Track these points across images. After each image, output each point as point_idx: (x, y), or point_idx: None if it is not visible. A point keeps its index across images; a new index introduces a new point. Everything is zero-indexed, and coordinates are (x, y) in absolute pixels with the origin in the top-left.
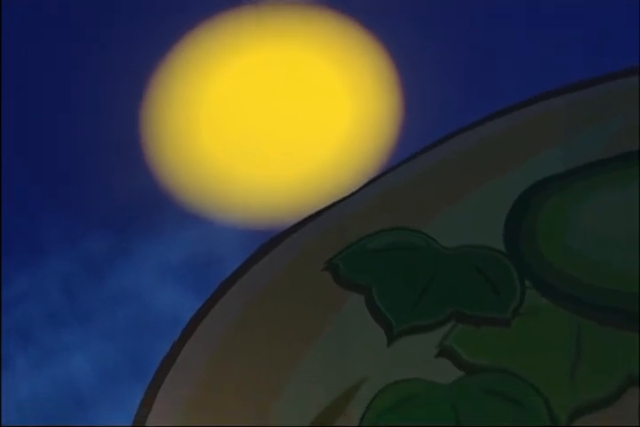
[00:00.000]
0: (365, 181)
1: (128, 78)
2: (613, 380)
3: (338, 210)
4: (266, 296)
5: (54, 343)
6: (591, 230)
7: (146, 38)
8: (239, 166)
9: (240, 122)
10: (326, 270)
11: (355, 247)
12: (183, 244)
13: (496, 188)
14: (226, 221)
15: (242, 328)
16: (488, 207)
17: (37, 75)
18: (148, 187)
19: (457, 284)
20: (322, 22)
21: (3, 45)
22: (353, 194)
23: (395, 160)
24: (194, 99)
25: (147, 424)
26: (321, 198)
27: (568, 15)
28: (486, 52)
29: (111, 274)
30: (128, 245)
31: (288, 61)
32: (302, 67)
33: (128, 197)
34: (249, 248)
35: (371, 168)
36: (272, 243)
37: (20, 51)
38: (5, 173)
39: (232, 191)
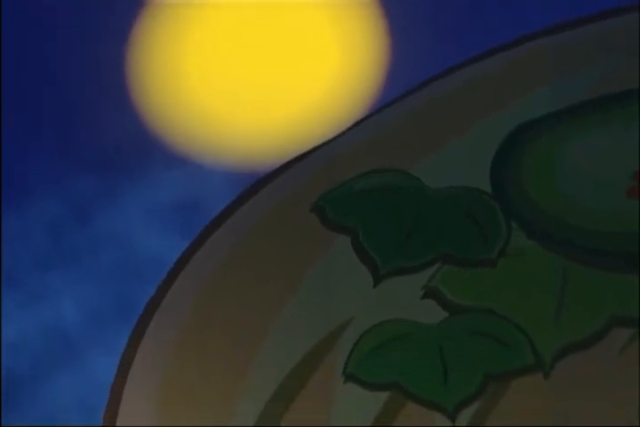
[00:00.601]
0: (352, 123)
1: (115, 19)
2: (598, 320)
3: (324, 152)
4: (252, 238)
5: (40, 286)
6: (580, 171)
7: None
8: (226, 109)
9: (227, 65)
10: (312, 213)
11: (341, 189)
12: (170, 186)
13: (482, 129)
14: (213, 164)
15: (228, 270)
16: (475, 149)
17: (21, 18)
18: (135, 129)
19: (443, 225)
20: None
21: None
22: (339, 136)
23: (381, 103)
24: (181, 41)
25: (133, 369)
26: (307, 141)
27: None
28: None
29: (97, 217)
30: (114, 187)
31: (275, 5)
32: (289, 10)
33: (115, 139)
34: (235, 191)
35: (357, 111)
36: (258, 185)
37: None
38: None
39: (219, 134)
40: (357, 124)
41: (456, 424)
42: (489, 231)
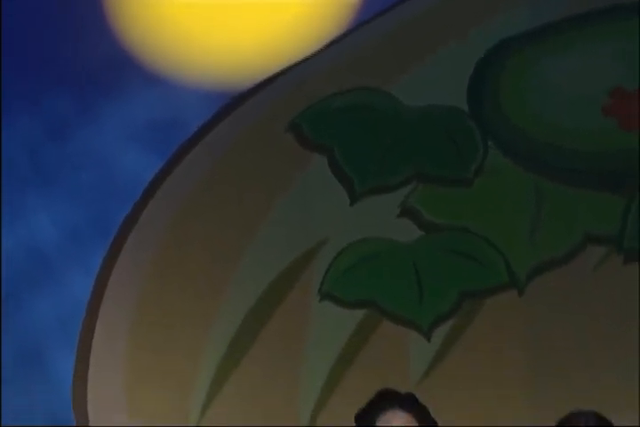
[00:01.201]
0: (326, 43)
1: None
2: (572, 238)
3: (299, 71)
4: (229, 156)
5: (18, 206)
6: (556, 89)
7: None
8: (203, 29)
9: None
10: (289, 131)
11: (317, 107)
12: (147, 105)
13: (459, 47)
14: (189, 83)
15: (205, 188)
16: (452, 67)
17: None
18: (113, 49)
19: (420, 144)
20: None
21: None
22: (314, 56)
23: (354, 24)
24: None
25: (109, 287)
26: (283, 60)
27: None
28: None
29: (75, 136)
30: (92, 106)
31: None
32: None
33: (93, 58)
34: (212, 110)
35: (331, 31)
36: (234, 104)
37: None
38: None
39: (196, 54)
40: (332, 44)
41: (431, 342)
42: (465, 150)
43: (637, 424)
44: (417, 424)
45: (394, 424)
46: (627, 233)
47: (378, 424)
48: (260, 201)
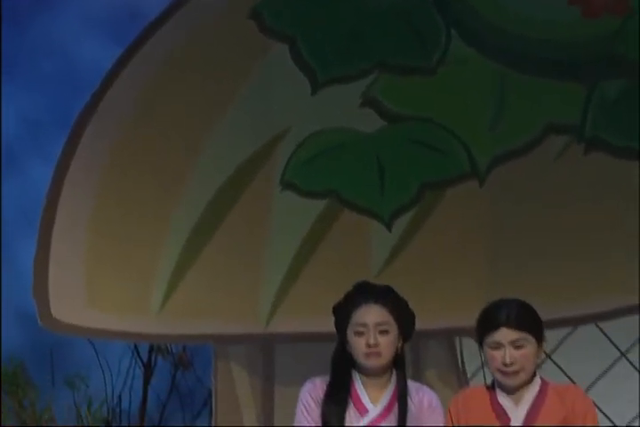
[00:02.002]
0: None
1: None
2: (534, 128)
3: None
4: (190, 43)
5: None
6: None
7: None
8: None
9: None
10: (250, 19)
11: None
12: None
13: None
14: None
15: (168, 74)
16: None
17: None
18: None
19: (382, 33)
20: None
21: None
22: None
23: None
24: None
25: (68, 178)
26: None
27: None
28: None
29: (34, 25)
30: None
31: None
32: None
33: None
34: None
35: None
36: None
37: None
38: None
39: None
40: None
41: (392, 232)
42: (428, 39)
43: (590, 312)
44: (393, 318)
45: (366, 320)
46: (588, 122)
47: (353, 318)
48: (222, 90)
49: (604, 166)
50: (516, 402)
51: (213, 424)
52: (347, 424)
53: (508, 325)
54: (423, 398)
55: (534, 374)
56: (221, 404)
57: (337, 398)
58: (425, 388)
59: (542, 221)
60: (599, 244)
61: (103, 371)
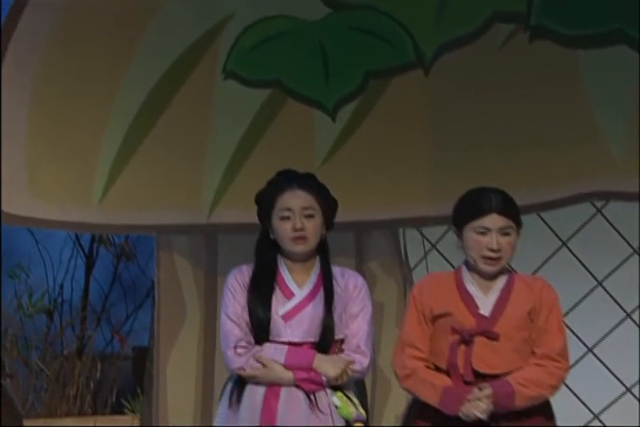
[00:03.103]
0: None
1: None
2: (480, 16)
3: None
4: None
5: None
6: None
7: None
8: None
9: None
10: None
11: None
12: None
13: None
14: None
15: None
16: None
17: None
18: None
19: None
20: None
21: None
22: None
23: None
24: None
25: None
26: None
27: None
28: None
29: None
30: None
31: None
32: None
33: None
34: None
35: None
36: None
37: None
38: None
39: None
40: None
41: (336, 121)
42: None
43: (537, 201)
44: (317, 204)
45: (292, 204)
46: (533, 11)
47: (278, 203)
48: None
49: (549, 54)
50: (485, 291)
51: (156, 315)
52: (273, 308)
53: (498, 211)
54: (349, 281)
55: None
56: (164, 295)
57: (262, 284)
58: (349, 271)
59: (488, 109)
60: (544, 130)
61: (44, 261)
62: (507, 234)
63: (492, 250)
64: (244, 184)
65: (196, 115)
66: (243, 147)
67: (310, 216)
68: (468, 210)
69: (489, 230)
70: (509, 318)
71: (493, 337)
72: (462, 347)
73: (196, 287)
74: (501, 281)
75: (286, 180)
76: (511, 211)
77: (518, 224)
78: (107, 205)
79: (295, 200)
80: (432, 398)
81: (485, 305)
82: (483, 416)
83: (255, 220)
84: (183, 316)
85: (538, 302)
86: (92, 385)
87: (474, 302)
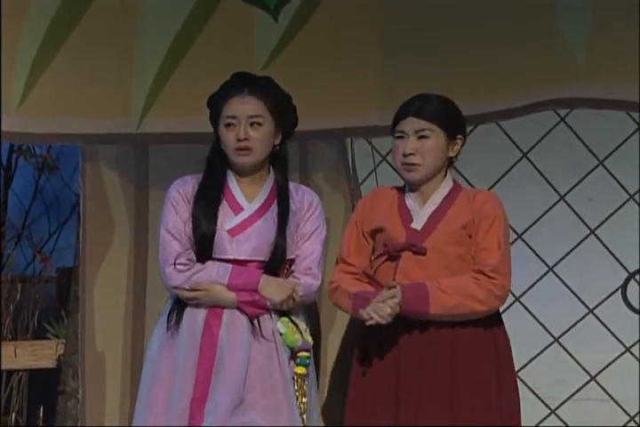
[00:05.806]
0: None
1: None
2: None
3: None
4: None
5: None
6: None
7: None
8: None
9: None
10: None
11: None
12: None
13: None
14: None
15: None
16: None
17: None
18: None
19: None
20: None
21: None
22: None
23: None
24: None
25: None
26: None
27: None
28: None
29: None
30: None
31: None
32: None
33: None
34: None
35: None
36: None
37: None
38: None
39: None
40: None
41: (278, 22)
42: None
43: (494, 109)
44: (268, 111)
45: (237, 111)
46: None
47: (224, 110)
48: None
49: None
50: (422, 203)
51: (81, 232)
52: (219, 222)
53: (416, 114)
54: (303, 198)
55: (445, 175)
56: (90, 210)
57: (209, 196)
58: (304, 187)
59: (445, 10)
60: (504, 33)
61: None
62: (425, 137)
63: (404, 154)
64: (177, 90)
65: (126, 10)
66: (176, 48)
67: (257, 124)
68: (395, 116)
69: (405, 134)
70: (441, 233)
71: (421, 252)
72: (392, 263)
73: (125, 202)
74: (441, 194)
75: (237, 84)
76: (434, 113)
77: (448, 128)
78: (26, 111)
79: (242, 107)
80: (347, 306)
81: (419, 218)
82: (382, 321)
83: (190, 129)
84: (111, 233)
85: (477, 215)
86: (11, 309)
87: (409, 214)
